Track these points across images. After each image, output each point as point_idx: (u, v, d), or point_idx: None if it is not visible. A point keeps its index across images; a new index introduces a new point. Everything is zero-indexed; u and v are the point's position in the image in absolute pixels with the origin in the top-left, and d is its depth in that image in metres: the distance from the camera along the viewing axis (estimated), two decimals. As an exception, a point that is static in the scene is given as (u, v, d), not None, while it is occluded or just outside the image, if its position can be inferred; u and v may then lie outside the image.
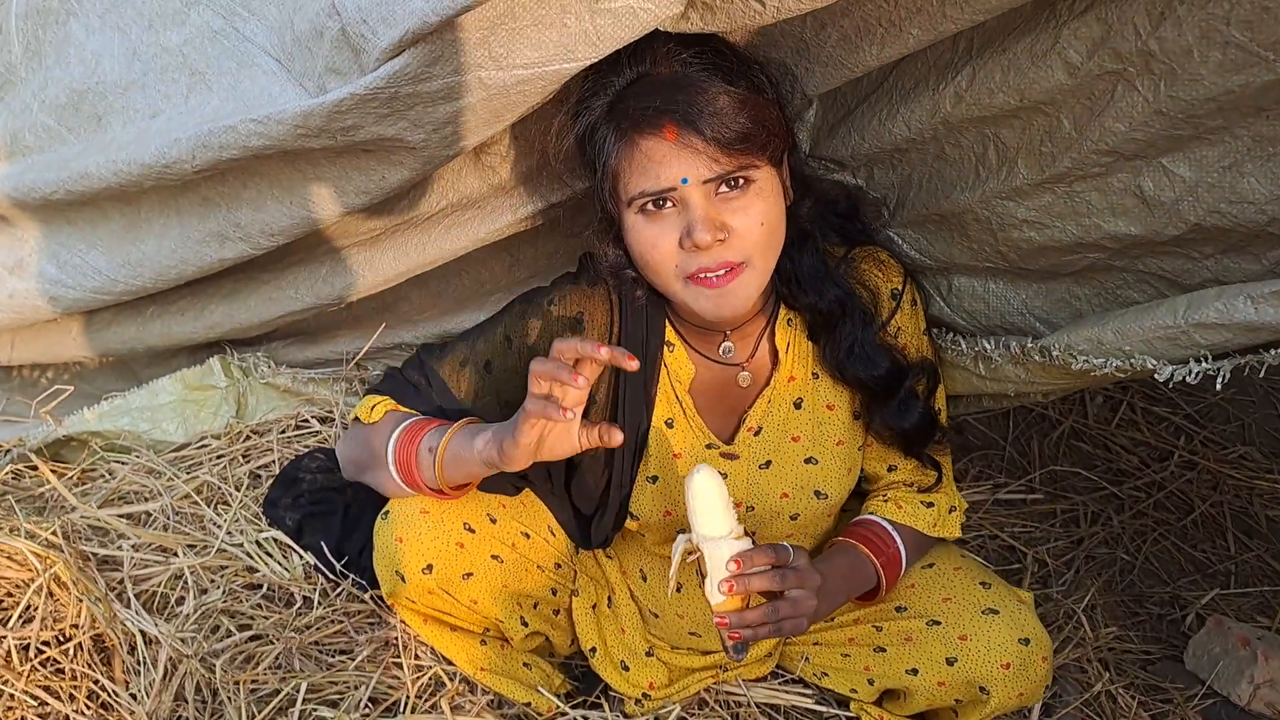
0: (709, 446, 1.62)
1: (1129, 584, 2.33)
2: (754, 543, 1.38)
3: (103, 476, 2.07)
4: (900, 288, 1.61)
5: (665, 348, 1.60)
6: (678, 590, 1.64)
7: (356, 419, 1.63)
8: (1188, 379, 1.38)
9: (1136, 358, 1.42)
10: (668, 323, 1.60)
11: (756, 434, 1.61)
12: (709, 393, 1.63)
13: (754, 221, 1.40)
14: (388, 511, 1.58)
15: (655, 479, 1.61)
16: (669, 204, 1.40)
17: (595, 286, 1.58)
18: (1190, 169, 1.30)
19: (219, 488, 1.97)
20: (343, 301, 1.98)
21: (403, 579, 1.54)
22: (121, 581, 1.78)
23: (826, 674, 1.75)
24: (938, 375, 1.67)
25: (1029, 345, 1.60)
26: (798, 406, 1.61)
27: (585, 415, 1.57)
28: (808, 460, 1.61)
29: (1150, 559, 2.38)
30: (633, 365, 1.28)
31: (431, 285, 2.06)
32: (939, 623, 1.60)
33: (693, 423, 1.61)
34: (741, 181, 1.40)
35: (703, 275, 1.41)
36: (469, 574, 1.57)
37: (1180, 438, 2.70)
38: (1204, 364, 1.37)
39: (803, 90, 1.50)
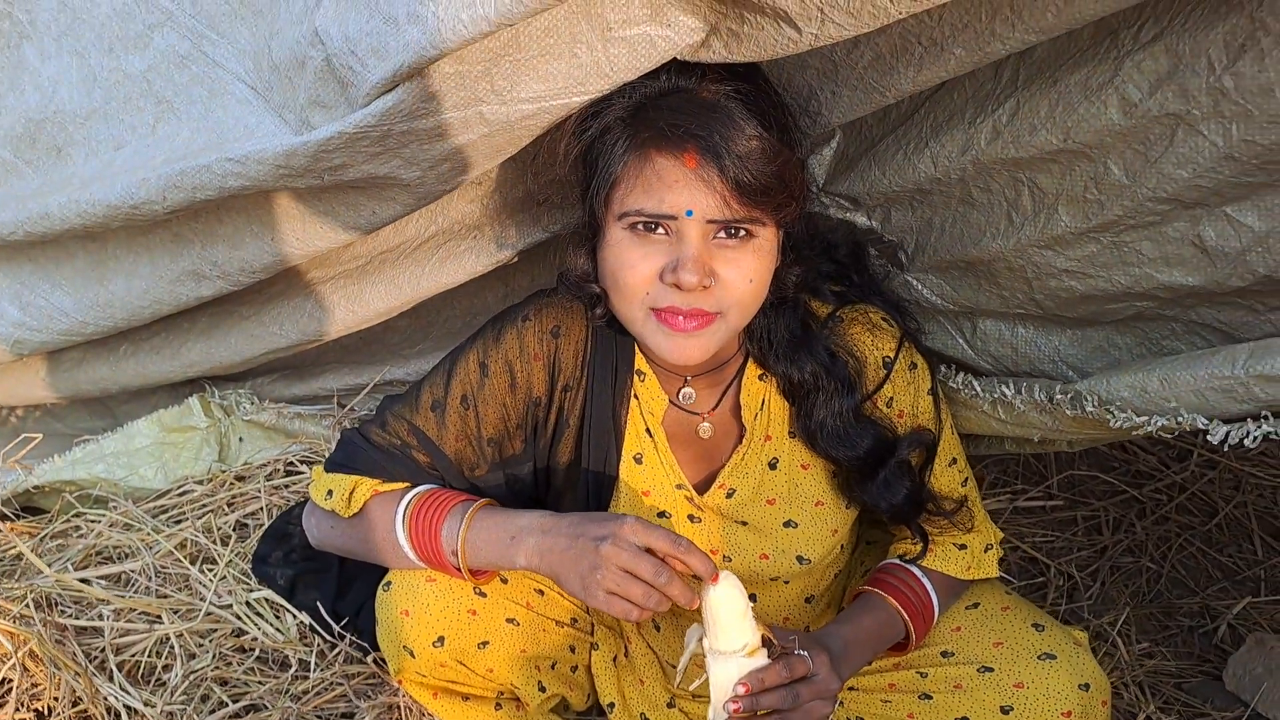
0: (678, 487, 1.53)
1: (1156, 594, 2.25)
2: (770, 645, 1.29)
3: (78, 530, 1.94)
4: (893, 355, 1.50)
5: (636, 376, 1.51)
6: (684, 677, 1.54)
7: (326, 509, 1.49)
8: (1246, 442, 1.26)
9: (1184, 414, 1.30)
10: (638, 350, 1.51)
11: (729, 496, 1.53)
12: (679, 433, 1.54)
13: (743, 277, 1.32)
14: (389, 582, 1.46)
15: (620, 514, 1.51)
16: (662, 230, 1.31)
17: (573, 301, 1.50)
18: (1260, 218, 1.19)
19: (203, 544, 1.85)
20: (329, 337, 1.88)
21: (412, 654, 1.43)
22: (103, 650, 1.68)
23: (864, 720, 1.66)
24: (936, 444, 1.55)
25: (1058, 393, 1.47)
26: (773, 467, 1.53)
27: (557, 441, 1.51)
28: (786, 524, 1.53)
29: (1177, 567, 2.31)
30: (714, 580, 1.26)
31: (422, 315, 1.96)
32: (991, 669, 1.50)
33: (664, 458, 1.52)
34: (743, 233, 1.31)
35: (670, 315, 1.32)
36: (485, 642, 1.46)
37: (1199, 435, 2.61)
38: (1265, 424, 1.25)
39: (826, 120, 1.39)
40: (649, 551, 1.27)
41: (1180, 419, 1.30)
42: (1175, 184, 1.18)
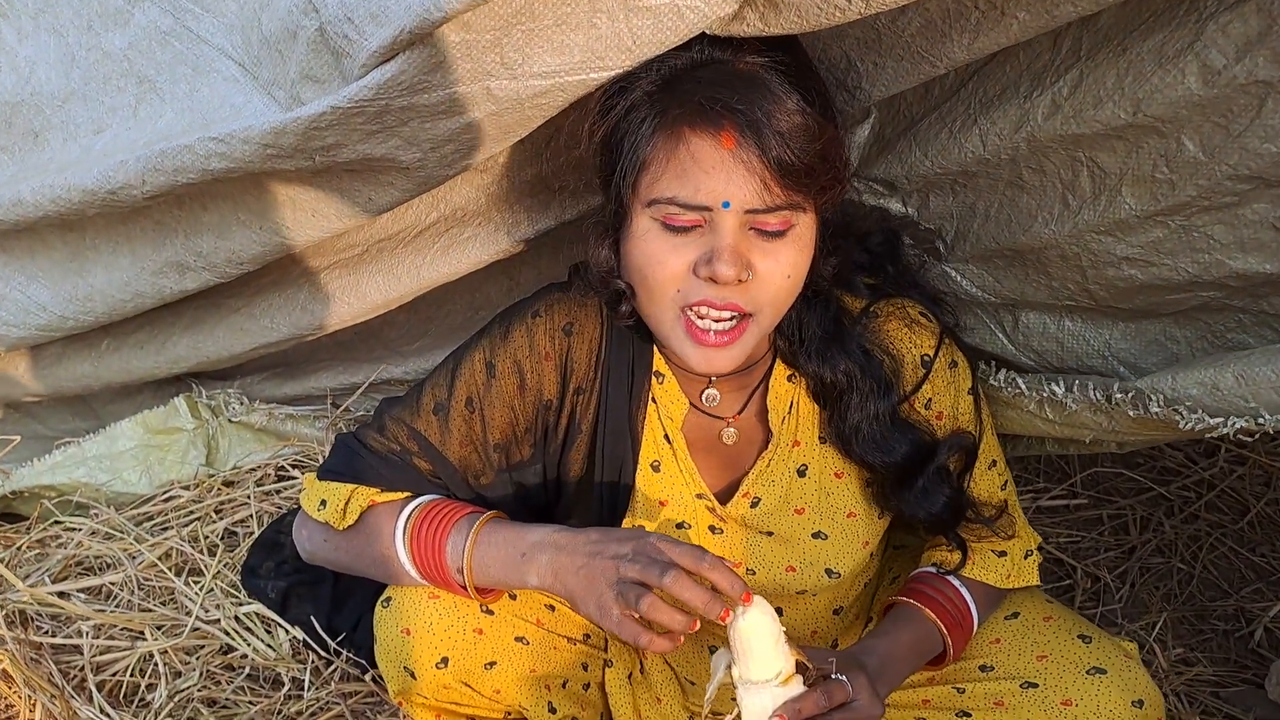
0: (699, 496, 1.46)
1: (1189, 597, 2.19)
2: (805, 669, 1.22)
3: (57, 540, 1.86)
4: (932, 353, 1.43)
5: (654, 378, 1.44)
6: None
7: (319, 520, 1.41)
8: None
9: (1266, 415, 1.21)
10: (657, 350, 1.44)
11: (754, 505, 1.46)
12: (700, 439, 1.47)
13: (781, 271, 1.24)
14: (389, 598, 1.39)
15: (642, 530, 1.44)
16: (694, 223, 1.22)
17: (587, 296, 1.42)
18: None
19: (189, 554, 1.77)
20: (323, 331, 1.81)
21: (413, 676, 1.36)
22: (82, 669, 1.63)
23: (896, 740, 1.58)
24: (977, 448, 1.49)
25: (1116, 392, 1.38)
26: (801, 474, 1.45)
27: (568, 448, 1.43)
28: (815, 535, 1.47)
29: (1208, 567, 2.25)
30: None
31: (421, 309, 1.89)
32: (1036, 685, 1.43)
33: (683, 466, 1.45)
34: (782, 225, 1.23)
35: (700, 318, 1.25)
36: (492, 663, 1.38)
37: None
38: None
39: (866, 94, 1.29)
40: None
41: (1261, 420, 1.21)
42: (1260, 160, 1.09)
